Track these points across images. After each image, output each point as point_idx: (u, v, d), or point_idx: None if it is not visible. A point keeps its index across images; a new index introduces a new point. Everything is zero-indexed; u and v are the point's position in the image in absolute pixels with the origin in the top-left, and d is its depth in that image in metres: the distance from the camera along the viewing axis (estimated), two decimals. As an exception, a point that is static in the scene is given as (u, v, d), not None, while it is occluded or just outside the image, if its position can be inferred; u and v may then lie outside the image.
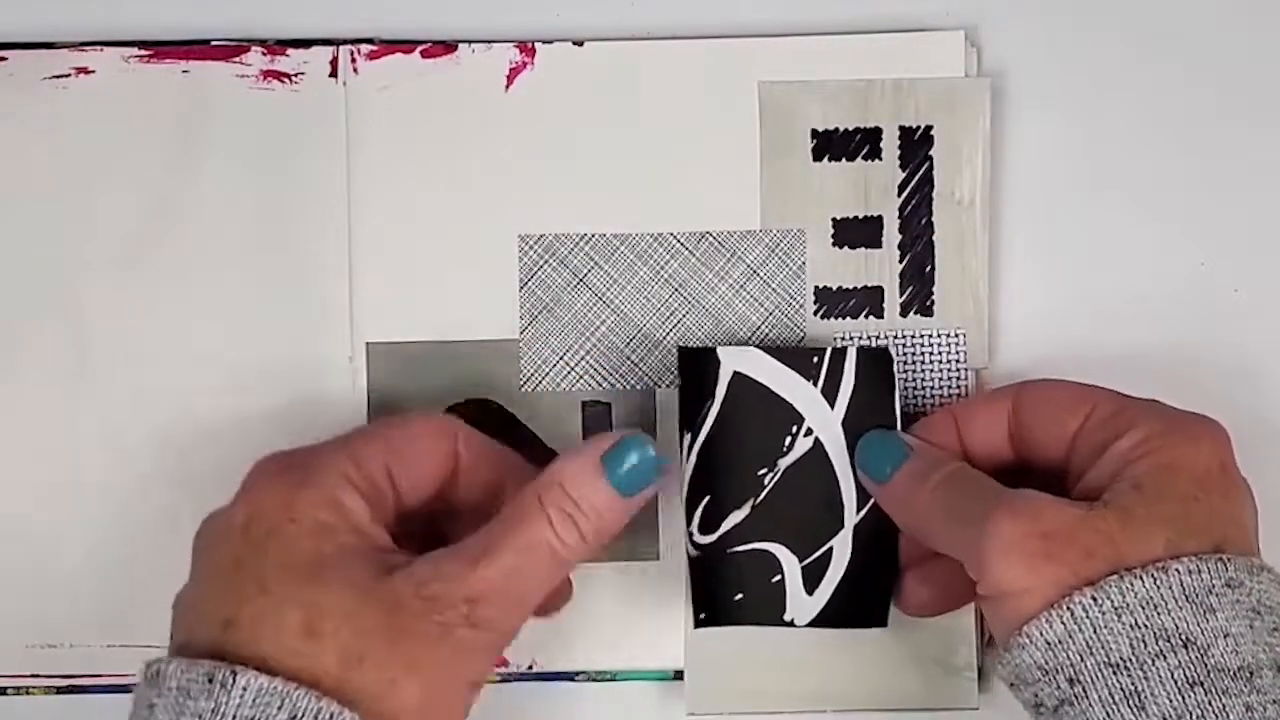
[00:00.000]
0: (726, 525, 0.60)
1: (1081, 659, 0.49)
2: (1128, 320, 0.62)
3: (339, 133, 0.62)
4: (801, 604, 0.60)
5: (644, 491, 0.54)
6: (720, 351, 0.60)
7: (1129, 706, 0.48)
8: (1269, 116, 0.62)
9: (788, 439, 0.60)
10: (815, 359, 0.60)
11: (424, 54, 0.62)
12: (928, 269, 0.61)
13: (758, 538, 0.60)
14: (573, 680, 0.62)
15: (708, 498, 0.59)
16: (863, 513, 0.59)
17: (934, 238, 0.61)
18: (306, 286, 0.62)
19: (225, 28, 0.62)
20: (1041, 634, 0.49)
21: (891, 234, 0.62)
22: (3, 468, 0.62)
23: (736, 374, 0.59)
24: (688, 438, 0.59)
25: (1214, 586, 0.49)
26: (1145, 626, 0.49)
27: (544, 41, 0.62)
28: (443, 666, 0.51)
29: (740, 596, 0.60)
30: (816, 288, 0.62)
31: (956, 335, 0.62)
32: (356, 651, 0.49)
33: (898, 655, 0.61)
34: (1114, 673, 0.49)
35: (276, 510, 0.52)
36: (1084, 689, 0.49)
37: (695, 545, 0.60)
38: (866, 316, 0.62)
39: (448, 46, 0.62)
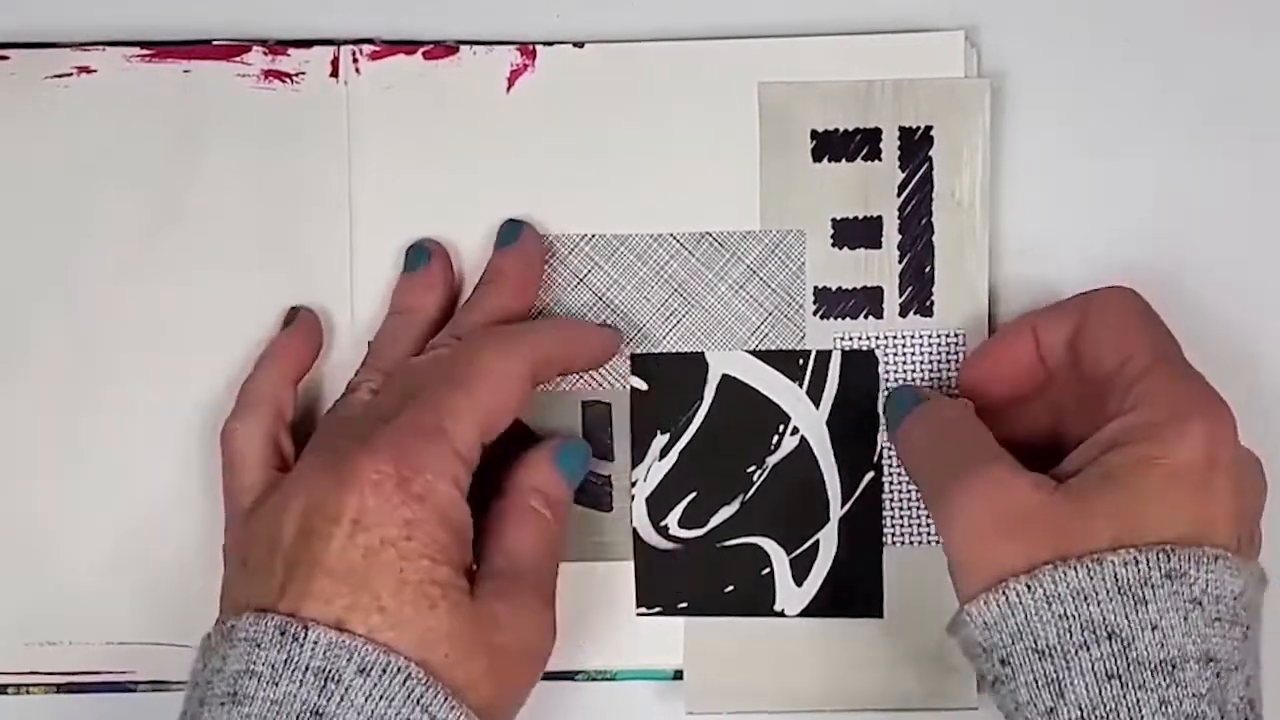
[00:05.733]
0: (715, 520, 0.62)
1: (1013, 642, 0.51)
2: (1127, 320, 0.62)
3: (340, 133, 0.62)
4: (791, 595, 0.62)
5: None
6: (709, 356, 0.61)
7: (1050, 693, 0.50)
8: (1268, 116, 0.62)
9: (775, 438, 0.62)
10: (801, 361, 0.62)
11: (426, 55, 0.62)
12: (927, 269, 0.62)
13: (747, 532, 0.62)
14: (573, 680, 0.62)
15: (693, 494, 0.62)
16: (847, 507, 0.62)
17: (933, 238, 0.61)
18: (307, 286, 0.62)
19: (226, 27, 0.62)
20: (980, 614, 0.51)
21: (891, 234, 0.62)
22: (3, 467, 0.62)
23: (725, 376, 0.62)
24: (663, 439, 0.61)
25: (1150, 578, 0.50)
26: (1074, 616, 0.50)
27: (545, 43, 0.62)
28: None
29: (731, 589, 0.62)
30: (816, 288, 0.62)
31: (955, 336, 0.62)
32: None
33: (897, 654, 0.62)
34: (1039, 659, 0.50)
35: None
36: (1013, 671, 0.51)
37: (673, 539, 0.62)
38: (866, 317, 0.62)
39: (449, 48, 0.62)
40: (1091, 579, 0.50)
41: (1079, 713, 0.49)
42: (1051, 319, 0.58)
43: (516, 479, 0.58)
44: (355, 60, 0.62)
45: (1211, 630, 0.50)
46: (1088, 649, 0.50)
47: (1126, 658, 0.49)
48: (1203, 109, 0.62)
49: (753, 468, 0.62)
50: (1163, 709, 0.49)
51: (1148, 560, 0.50)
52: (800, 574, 0.62)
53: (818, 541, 0.62)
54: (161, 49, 0.62)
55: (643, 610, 0.62)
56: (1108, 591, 0.50)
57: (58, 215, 0.62)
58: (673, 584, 0.62)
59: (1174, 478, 0.51)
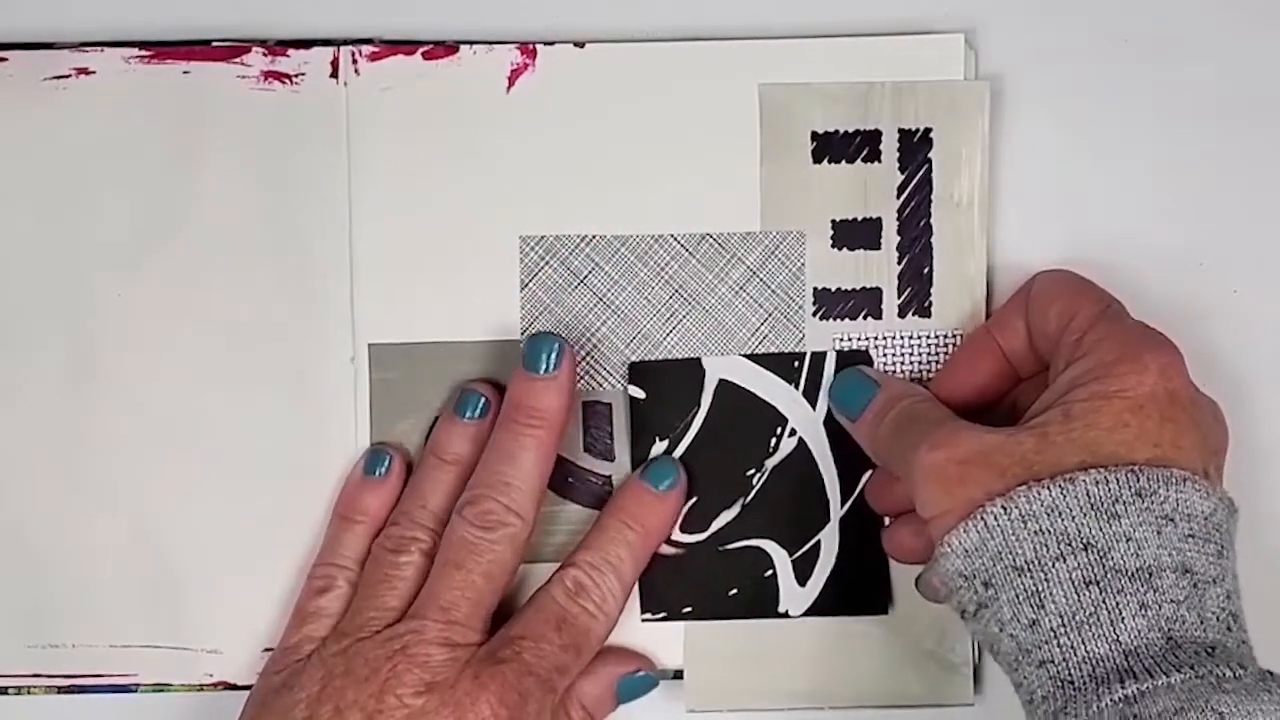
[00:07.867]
0: (717, 524, 0.62)
1: (994, 563, 0.52)
2: (1125, 322, 0.62)
3: (340, 134, 0.62)
4: (794, 595, 0.62)
5: None
6: (705, 361, 0.62)
7: (1031, 606, 0.51)
8: (1268, 116, 0.62)
9: (773, 440, 0.62)
10: (796, 363, 0.62)
11: (425, 55, 0.62)
12: (926, 271, 0.62)
13: (748, 535, 0.62)
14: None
15: (693, 499, 0.62)
16: (847, 506, 0.62)
17: (932, 240, 0.62)
18: (306, 286, 0.62)
19: (226, 28, 0.62)
20: (960, 543, 0.52)
21: (890, 236, 0.62)
22: (4, 468, 0.62)
23: (722, 381, 0.62)
24: (662, 445, 0.62)
25: (1121, 495, 0.51)
26: (1049, 532, 0.51)
27: (545, 43, 0.62)
28: None
29: (735, 592, 0.62)
30: (815, 289, 0.62)
31: (954, 336, 0.62)
32: None
33: (894, 651, 0.62)
34: (1019, 575, 0.51)
35: None
36: (996, 591, 0.52)
37: (675, 544, 0.62)
38: (865, 318, 0.62)
39: (449, 48, 0.62)
40: (1065, 496, 0.51)
41: (1059, 620, 0.50)
42: (1003, 319, 0.60)
43: None
44: (355, 61, 0.62)
45: (1186, 545, 0.51)
46: (1064, 560, 0.51)
47: (1103, 566, 0.50)
48: (1202, 110, 0.62)
49: (752, 470, 0.62)
50: (1142, 611, 0.50)
51: (1118, 479, 0.51)
52: (803, 574, 0.62)
53: (819, 541, 0.62)
54: (160, 50, 0.61)
55: (647, 615, 0.62)
56: (1081, 508, 0.51)
57: (57, 218, 0.61)
58: (676, 588, 0.62)
59: (1135, 409, 0.52)
